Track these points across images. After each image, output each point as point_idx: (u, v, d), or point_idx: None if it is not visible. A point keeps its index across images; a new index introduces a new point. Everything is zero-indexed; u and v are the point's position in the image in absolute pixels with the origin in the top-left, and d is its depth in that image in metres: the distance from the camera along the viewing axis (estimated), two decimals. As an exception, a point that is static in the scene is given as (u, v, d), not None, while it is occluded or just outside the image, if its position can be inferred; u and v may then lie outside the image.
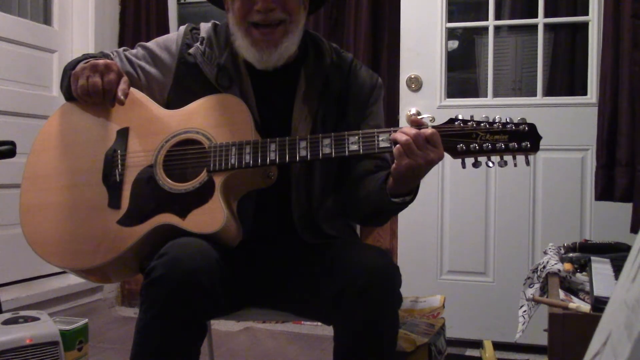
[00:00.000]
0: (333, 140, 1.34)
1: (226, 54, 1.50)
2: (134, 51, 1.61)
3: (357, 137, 1.33)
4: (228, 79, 1.48)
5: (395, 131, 1.32)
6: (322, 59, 1.54)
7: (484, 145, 1.30)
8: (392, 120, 2.92)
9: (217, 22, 1.59)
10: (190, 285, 1.25)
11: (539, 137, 1.31)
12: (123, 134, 1.47)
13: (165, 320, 1.27)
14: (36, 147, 1.55)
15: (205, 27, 1.57)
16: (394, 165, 1.31)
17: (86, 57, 1.57)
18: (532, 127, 1.32)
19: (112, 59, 1.58)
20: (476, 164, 1.31)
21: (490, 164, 1.31)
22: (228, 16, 1.50)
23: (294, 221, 1.49)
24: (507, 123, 1.32)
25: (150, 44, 1.59)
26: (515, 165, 1.32)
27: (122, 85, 1.41)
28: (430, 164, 1.29)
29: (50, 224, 1.46)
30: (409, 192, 1.38)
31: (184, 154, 1.43)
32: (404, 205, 1.40)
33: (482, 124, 1.31)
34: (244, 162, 1.36)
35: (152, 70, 1.56)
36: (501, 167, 1.32)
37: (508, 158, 1.31)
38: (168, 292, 1.25)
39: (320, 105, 1.50)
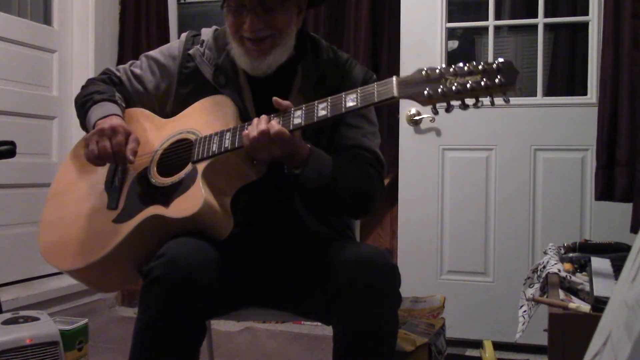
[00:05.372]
0: (303, 111, 1.33)
1: (224, 55, 1.56)
2: (138, 63, 1.67)
3: (325, 104, 1.31)
4: (224, 77, 1.54)
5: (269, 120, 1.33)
6: (319, 55, 1.58)
7: (453, 87, 1.20)
8: (392, 120, 2.93)
9: (217, 27, 1.65)
10: (189, 285, 1.26)
11: (516, 71, 1.19)
12: None
13: (164, 320, 1.27)
14: (60, 168, 1.66)
15: (206, 32, 1.63)
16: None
17: (92, 84, 1.66)
18: (506, 63, 1.20)
19: (118, 76, 1.66)
20: (448, 109, 1.22)
21: (463, 107, 1.23)
22: (226, 25, 1.55)
23: (295, 207, 1.50)
24: (478, 63, 1.21)
25: (155, 54, 1.66)
26: (492, 103, 1.22)
27: (131, 145, 1.45)
28: (283, 157, 1.33)
29: (59, 233, 1.52)
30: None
31: (174, 152, 1.48)
32: (307, 176, 1.37)
33: (451, 69, 1.22)
34: (223, 147, 1.37)
35: (158, 79, 1.63)
36: (477, 107, 1.19)
37: (485, 99, 1.20)
38: (166, 292, 1.26)
39: (315, 98, 1.51)
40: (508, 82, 1.17)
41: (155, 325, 1.28)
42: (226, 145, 1.37)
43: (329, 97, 1.31)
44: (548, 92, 2.92)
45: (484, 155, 2.78)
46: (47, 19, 3.30)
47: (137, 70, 1.65)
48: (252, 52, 1.48)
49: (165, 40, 3.33)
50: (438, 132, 2.81)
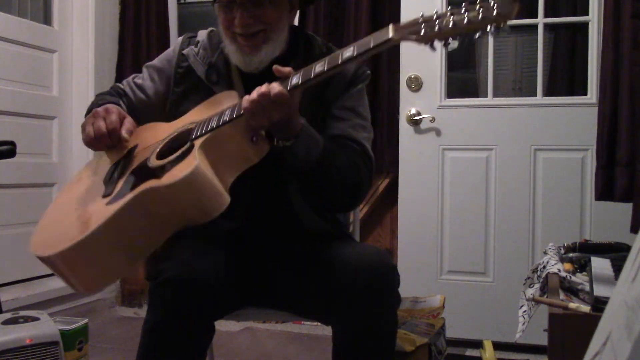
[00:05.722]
0: (301, 73, 1.29)
1: (217, 53, 1.57)
2: (140, 74, 1.69)
3: (323, 62, 1.27)
4: (216, 74, 1.55)
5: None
6: (312, 52, 1.57)
7: (450, 23, 1.17)
8: (392, 120, 2.93)
9: (213, 29, 1.66)
10: (200, 287, 1.27)
11: (514, 2, 1.15)
12: (131, 150, 1.52)
13: (174, 321, 1.28)
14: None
15: (202, 33, 1.65)
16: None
17: (99, 95, 1.67)
18: None
19: (122, 88, 1.69)
20: (446, 44, 1.19)
21: (456, 41, 1.22)
22: (219, 23, 1.56)
23: (291, 201, 1.50)
24: (475, 0, 1.18)
25: (154, 62, 1.68)
26: (490, 34, 1.18)
27: (126, 125, 1.46)
28: (281, 121, 1.29)
29: (49, 226, 1.47)
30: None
31: (176, 141, 1.45)
32: (296, 150, 1.35)
33: (448, 10, 1.19)
34: (222, 121, 1.33)
35: (157, 85, 1.65)
36: (470, 40, 1.20)
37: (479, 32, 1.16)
38: (178, 294, 1.27)
39: (305, 93, 1.50)
40: (506, 12, 1.13)
41: (165, 326, 1.29)
42: (225, 119, 1.33)
43: (327, 57, 1.27)
44: (548, 92, 2.93)
45: (484, 155, 2.78)
46: (47, 19, 3.30)
47: (139, 81, 1.67)
48: (244, 47, 1.48)
49: (165, 40, 3.33)
50: (438, 132, 2.81)
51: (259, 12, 1.45)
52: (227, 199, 1.29)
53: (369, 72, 1.59)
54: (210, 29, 1.66)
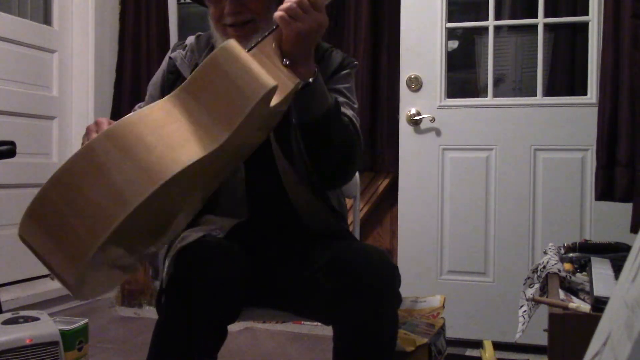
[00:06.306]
0: None
1: (205, 53, 1.59)
2: (146, 94, 1.70)
3: None
4: None
5: None
6: None
7: None
8: (392, 120, 2.93)
9: (200, 33, 1.69)
10: (215, 289, 1.28)
11: None
12: None
13: (188, 323, 1.29)
14: None
15: (190, 38, 1.69)
16: (283, 37, 1.29)
17: None
18: None
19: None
20: None
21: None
22: (209, 18, 1.59)
23: (292, 204, 1.50)
24: None
25: (152, 78, 1.70)
26: None
27: None
28: (320, 27, 1.29)
29: None
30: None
31: None
32: (315, 89, 1.34)
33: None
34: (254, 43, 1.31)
35: (156, 99, 1.63)
36: None
37: None
38: (192, 295, 1.27)
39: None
40: None
41: (178, 328, 1.29)
42: (257, 40, 1.30)
43: None
44: (548, 92, 2.93)
45: (484, 155, 2.78)
46: (47, 19, 3.30)
47: (142, 103, 1.68)
48: (235, 38, 1.49)
49: (166, 40, 3.33)
50: (438, 132, 2.81)
51: (247, 1, 1.48)
52: (270, 80, 1.15)
53: (356, 62, 1.62)
54: (197, 33, 1.68)
